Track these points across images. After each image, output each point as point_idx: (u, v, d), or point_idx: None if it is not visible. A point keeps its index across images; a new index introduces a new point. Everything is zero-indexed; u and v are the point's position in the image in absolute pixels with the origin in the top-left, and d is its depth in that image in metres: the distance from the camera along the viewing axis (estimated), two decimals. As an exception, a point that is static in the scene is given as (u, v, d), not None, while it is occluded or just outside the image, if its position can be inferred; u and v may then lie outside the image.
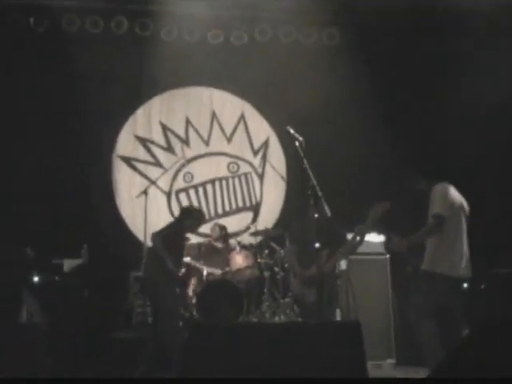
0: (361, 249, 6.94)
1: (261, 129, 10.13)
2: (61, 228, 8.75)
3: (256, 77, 9.54)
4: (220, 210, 9.84)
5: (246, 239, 9.18)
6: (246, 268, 8.39)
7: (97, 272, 8.26)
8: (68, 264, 7.97)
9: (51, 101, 9.09)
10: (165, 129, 9.91)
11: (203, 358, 3.86)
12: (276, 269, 8.38)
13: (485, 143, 9.13)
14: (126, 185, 9.69)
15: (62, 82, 9.17)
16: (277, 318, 7.91)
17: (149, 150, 9.83)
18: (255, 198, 9.99)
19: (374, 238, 7.88)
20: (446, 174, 6.17)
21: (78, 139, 9.11)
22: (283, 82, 9.47)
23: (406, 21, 9.40)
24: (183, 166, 9.87)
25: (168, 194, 9.78)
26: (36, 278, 7.58)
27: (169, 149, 9.88)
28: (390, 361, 7.82)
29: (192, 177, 9.87)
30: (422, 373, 6.24)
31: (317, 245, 5.26)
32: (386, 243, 7.35)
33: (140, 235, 9.03)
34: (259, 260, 8.46)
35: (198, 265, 8.40)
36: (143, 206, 8.73)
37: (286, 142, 8.91)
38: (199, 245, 8.66)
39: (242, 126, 10.11)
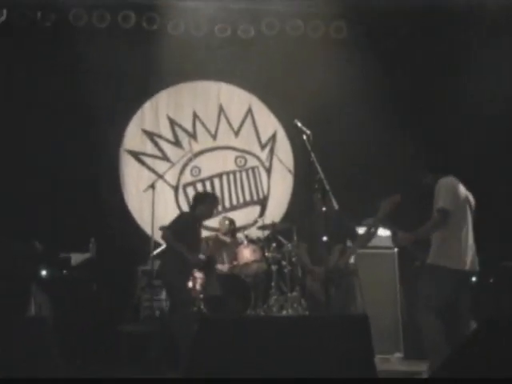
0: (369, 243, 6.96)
1: (268, 122, 10.10)
2: (69, 222, 8.77)
3: (263, 70, 9.53)
4: (227, 204, 9.84)
5: (254, 233, 9.17)
6: (254, 262, 8.38)
7: (104, 266, 8.27)
8: (76, 258, 7.98)
9: (58, 95, 9.10)
10: (172, 123, 9.90)
11: (211, 351, 3.86)
12: (283, 263, 8.37)
13: (496, 137, 9.10)
14: (134, 179, 9.69)
15: (69, 76, 9.17)
16: (284, 312, 7.91)
17: (156, 144, 9.83)
18: (262, 191, 9.98)
19: (383, 232, 7.85)
20: (454, 168, 6.15)
21: (86, 134, 9.11)
22: (291, 76, 9.44)
23: (414, 14, 9.37)
24: (190, 160, 9.86)
25: (175, 188, 9.78)
26: (44, 272, 7.60)
27: (176, 143, 9.88)
28: (398, 354, 7.83)
29: (199, 171, 9.86)
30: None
31: (324, 238, 5.23)
32: (392, 238, 7.34)
33: (147, 229, 9.02)
34: (267, 254, 8.45)
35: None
36: (151, 200, 8.73)
37: (294, 135, 8.90)
38: (206, 239, 8.64)
39: (249, 120, 10.09)
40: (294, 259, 8.34)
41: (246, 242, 8.59)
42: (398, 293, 8.03)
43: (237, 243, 8.77)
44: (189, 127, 9.94)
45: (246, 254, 8.43)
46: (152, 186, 8.85)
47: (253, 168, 10.01)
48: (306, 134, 5.35)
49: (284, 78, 9.51)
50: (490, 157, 9.12)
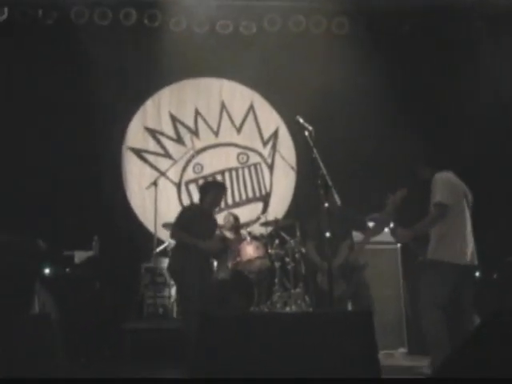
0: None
1: (270, 119, 10.10)
2: (71, 220, 8.76)
3: (265, 67, 9.52)
4: (230, 201, 9.84)
5: (257, 230, 9.18)
6: (257, 259, 8.37)
7: (108, 263, 8.27)
8: (79, 256, 7.99)
9: (60, 93, 9.09)
10: (174, 120, 9.91)
11: (214, 348, 3.86)
12: (287, 259, 8.37)
13: (496, 133, 9.10)
14: (136, 176, 9.69)
15: (71, 74, 9.16)
16: (288, 309, 7.92)
17: (158, 142, 9.83)
18: (265, 188, 9.98)
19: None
20: (452, 163, 6.15)
21: (88, 131, 9.11)
22: (292, 72, 9.44)
23: (415, 11, 9.37)
24: (193, 157, 9.86)
25: (178, 185, 9.78)
26: (47, 270, 7.60)
27: (178, 140, 9.88)
28: (402, 350, 7.84)
29: (202, 168, 9.86)
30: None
31: (327, 234, 5.22)
32: (391, 233, 7.35)
33: (150, 226, 9.05)
34: (270, 250, 8.46)
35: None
36: (153, 198, 8.76)
37: (296, 131, 8.89)
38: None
39: (251, 117, 10.08)
40: (297, 255, 8.35)
41: (249, 239, 8.57)
42: (402, 288, 8.03)
43: (240, 240, 8.76)
44: (191, 124, 9.94)
45: (249, 250, 8.42)
46: (154, 184, 8.87)
47: (255, 164, 10.01)
48: (308, 130, 5.34)
49: (286, 75, 9.51)
50: (493, 153, 9.11)
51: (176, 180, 9.78)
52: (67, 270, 7.89)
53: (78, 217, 8.80)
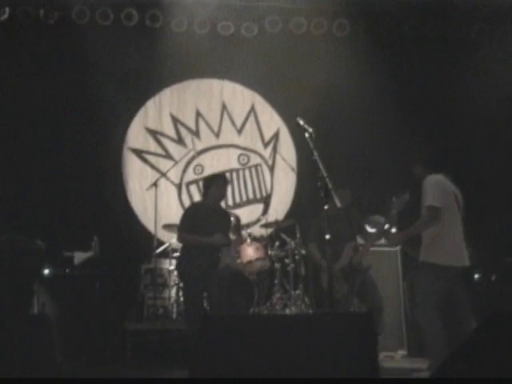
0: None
1: (271, 120, 10.10)
2: (72, 220, 8.77)
3: (266, 68, 9.52)
4: (230, 202, 9.83)
5: (257, 231, 9.19)
6: (257, 260, 8.35)
7: (108, 264, 8.27)
8: (79, 256, 7.98)
9: (61, 93, 9.09)
10: (175, 121, 9.91)
11: (214, 349, 3.85)
12: (287, 260, 8.37)
13: (497, 133, 9.10)
14: (137, 177, 9.69)
15: (72, 74, 9.15)
16: (288, 310, 7.92)
17: (159, 143, 9.83)
18: (266, 189, 9.98)
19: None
20: (446, 162, 6.17)
21: (89, 132, 9.09)
22: (293, 74, 9.45)
23: (416, 13, 9.37)
24: (193, 158, 9.86)
25: (178, 186, 9.78)
26: (47, 271, 7.60)
27: (179, 141, 9.88)
28: (402, 352, 7.84)
29: (202, 169, 9.86)
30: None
31: (327, 236, 5.22)
32: (385, 236, 7.34)
33: (151, 227, 9.04)
34: (270, 252, 8.45)
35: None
36: (154, 199, 8.74)
37: (297, 133, 8.87)
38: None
39: (252, 118, 10.08)
40: (297, 257, 8.35)
41: (249, 240, 8.57)
42: (402, 290, 8.04)
43: (241, 241, 8.75)
44: (192, 125, 9.94)
45: (250, 251, 8.40)
46: (155, 184, 8.85)
47: (256, 166, 10.00)
48: (309, 132, 5.33)
49: (287, 76, 9.51)
50: (492, 154, 9.11)
51: (177, 181, 9.78)
52: (67, 270, 7.88)
53: (78, 217, 8.80)
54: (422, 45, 9.56)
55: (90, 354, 7.25)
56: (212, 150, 9.96)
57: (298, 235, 8.37)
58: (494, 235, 8.28)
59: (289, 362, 3.76)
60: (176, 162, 9.72)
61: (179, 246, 8.47)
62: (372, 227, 7.15)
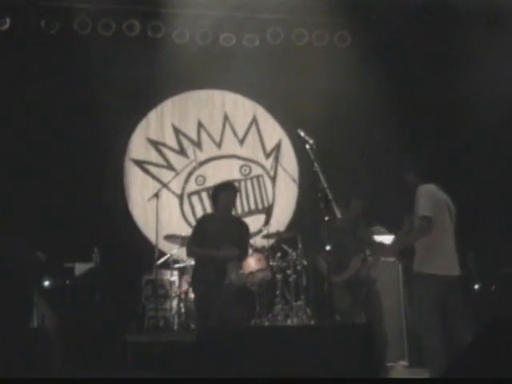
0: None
1: (273, 131, 10.11)
2: (72, 231, 8.74)
3: (268, 79, 9.52)
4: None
5: (259, 242, 9.16)
6: (259, 271, 8.33)
7: (108, 275, 8.24)
8: (79, 268, 7.97)
9: (63, 104, 9.08)
10: (177, 132, 9.91)
11: (215, 360, 3.84)
12: (288, 271, 8.36)
13: (497, 137, 9.09)
14: (139, 188, 9.69)
15: (74, 84, 9.17)
16: (289, 321, 7.89)
17: (161, 153, 9.83)
18: (267, 200, 9.97)
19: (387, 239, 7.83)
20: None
21: (90, 142, 9.10)
22: (295, 85, 9.46)
23: (417, 24, 9.39)
24: (195, 168, 9.86)
25: (180, 197, 9.78)
26: (47, 282, 7.58)
27: (181, 152, 9.88)
28: (403, 362, 7.80)
29: (204, 179, 9.86)
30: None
31: (327, 247, 5.21)
32: (379, 248, 7.29)
33: (152, 238, 9.02)
34: (271, 263, 8.43)
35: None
36: (155, 209, 8.72)
37: (298, 144, 8.87)
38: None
39: (254, 129, 10.09)
40: (298, 268, 8.34)
41: (250, 251, 8.55)
42: (402, 300, 8.01)
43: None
44: (194, 136, 9.94)
45: (251, 262, 8.37)
46: (157, 195, 8.84)
47: (257, 177, 10.00)
48: (309, 144, 5.32)
49: (288, 87, 9.52)
50: (492, 162, 9.10)
51: (178, 192, 9.78)
52: (67, 282, 7.87)
53: (79, 228, 8.78)
54: (422, 57, 9.56)
55: (90, 366, 7.22)
56: (214, 161, 9.96)
57: (300, 246, 8.36)
58: (494, 245, 8.26)
59: (290, 374, 3.75)
60: (178, 173, 9.72)
61: (180, 257, 8.49)
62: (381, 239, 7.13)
